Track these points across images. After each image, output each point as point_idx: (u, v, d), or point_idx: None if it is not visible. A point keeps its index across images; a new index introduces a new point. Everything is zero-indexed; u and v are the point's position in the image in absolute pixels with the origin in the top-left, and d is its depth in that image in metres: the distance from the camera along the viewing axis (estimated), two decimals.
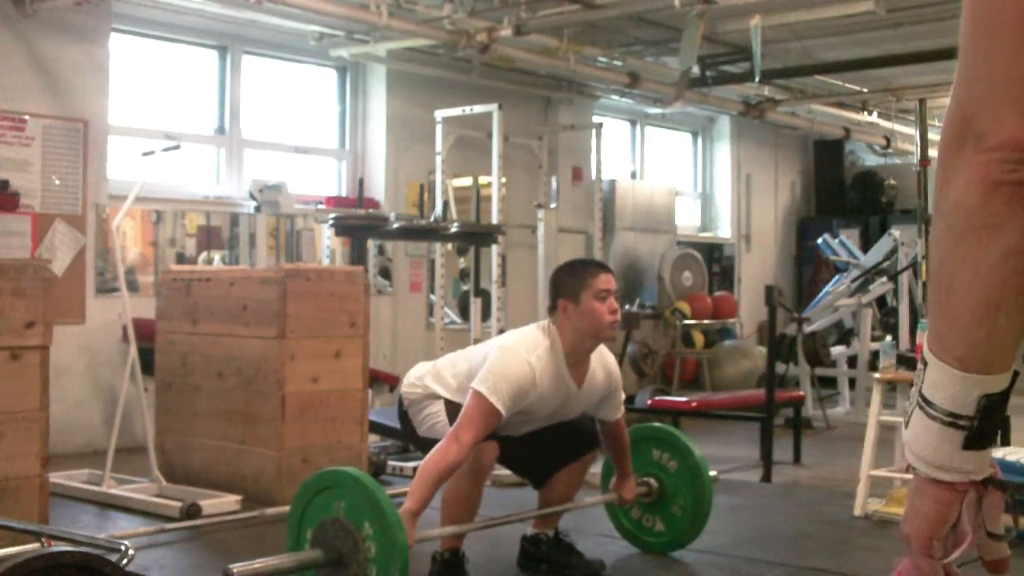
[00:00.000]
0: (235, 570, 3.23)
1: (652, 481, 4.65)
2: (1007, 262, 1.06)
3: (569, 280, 4.03)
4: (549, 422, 4.14)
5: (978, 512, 1.15)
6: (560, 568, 4.31)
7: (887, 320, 9.56)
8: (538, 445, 4.20)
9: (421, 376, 4.21)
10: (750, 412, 7.21)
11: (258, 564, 3.39)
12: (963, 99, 1.08)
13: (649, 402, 7.42)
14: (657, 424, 4.91)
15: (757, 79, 8.05)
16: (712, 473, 4.68)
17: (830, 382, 9.85)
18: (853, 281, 9.57)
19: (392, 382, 7.56)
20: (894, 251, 9.38)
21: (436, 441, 3.91)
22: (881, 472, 5.46)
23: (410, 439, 4.32)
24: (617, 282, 7.51)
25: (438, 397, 4.11)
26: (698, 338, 11.11)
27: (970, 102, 1.07)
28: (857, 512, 5.33)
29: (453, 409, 3.97)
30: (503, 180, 8.60)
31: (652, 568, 4.53)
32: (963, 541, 1.16)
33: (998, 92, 1.05)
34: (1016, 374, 1.14)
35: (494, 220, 8.36)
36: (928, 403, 1.15)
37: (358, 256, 7.79)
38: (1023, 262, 1.06)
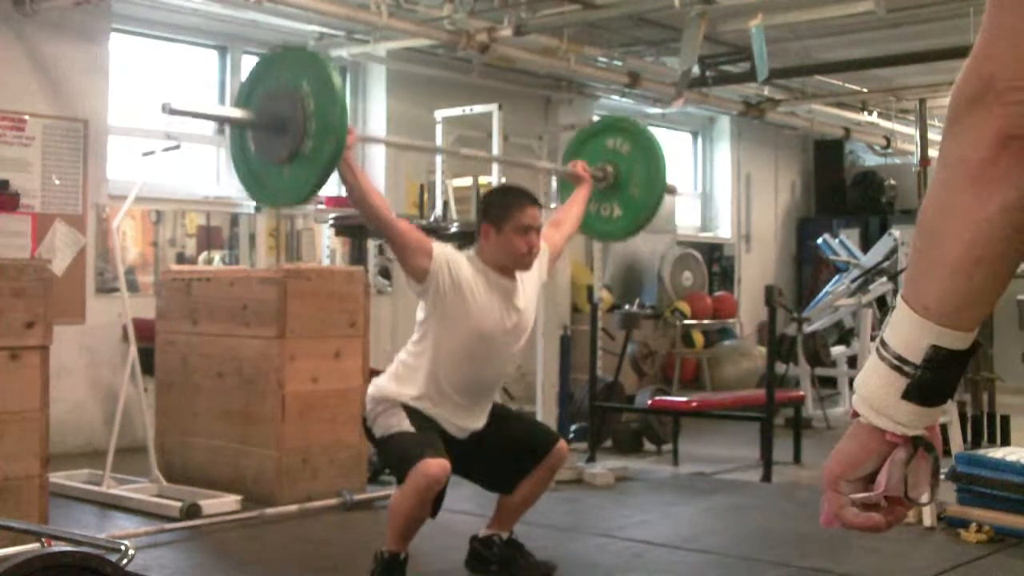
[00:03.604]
0: (173, 105, 3.60)
1: (609, 167, 4.81)
2: (1000, 218, 1.06)
3: (497, 208, 4.14)
4: (509, 340, 4.10)
5: (902, 471, 1.14)
6: (510, 569, 4.26)
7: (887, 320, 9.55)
8: (498, 452, 4.15)
9: (378, 387, 4.12)
10: (750, 412, 7.21)
11: (195, 106, 3.73)
12: (982, 59, 1.07)
13: (649, 402, 7.41)
14: (609, 116, 5.06)
15: (761, 79, 8.04)
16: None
17: (830, 382, 9.84)
18: (853, 281, 9.56)
19: None
20: (894, 251, 9.37)
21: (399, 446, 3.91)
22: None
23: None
24: (617, 282, 7.38)
25: (396, 402, 4.02)
26: (698, 338, 11.10)
27: (989, 61, 1.06)
28: None
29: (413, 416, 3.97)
30: (503, 180, 8.58)
31: (651, 567, 4.53)
32: (876, 489, 1.15)
33: (1019, 50, 1.04)
34: (977, 344, 1.13)
35: None
36: (884, 344, 1.15)
37: (358, 256, 7.79)
38: (1015, 220, 1.06)
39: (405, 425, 3.95)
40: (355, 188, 3.80)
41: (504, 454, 4.18)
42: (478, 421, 4.14)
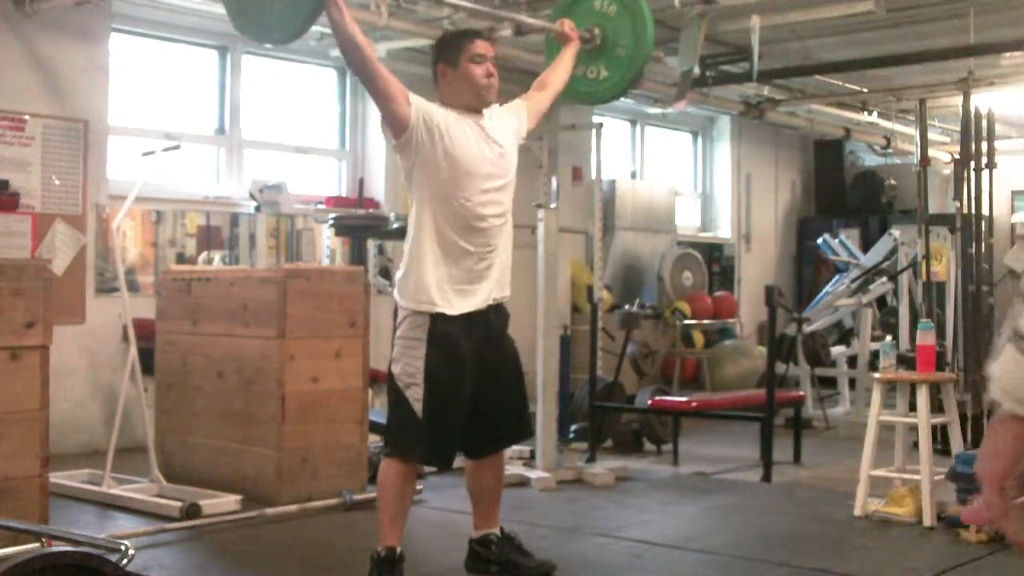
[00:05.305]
0: None
1: (596, 29, 4.84)
2: None
3: (448, 47, 4.17)
4: (495, 172, 4.10)
5: None
6: (512, 568, 4.26)
7: (887, 320, 9.55)
8: (484, 410, 4.15)
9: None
10: (750, 412, 7.21)
11: None
12: None
13: (649, 402, 7.41)
14: None
15: (754, 77, 8.05)
16: None
17: (830, 382, 9.84)
18: (853, 281, 9.56)
19: None
20: (894, 251, 9.38)
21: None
22: (881, 472, 5.46)
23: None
24: (617, 282, 7.30)
25: (424, 313, 4.06)
26: (698, 338, 11.10)
27: None
28: (857, 512, 5.33)
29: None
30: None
31: (651, 567, 4.53)
32: None
33: None
34: None
35: None
36: (1021, 337, 1.11)
37: (358, 256, 7.79)
38: None
39: (419, 380, 4.03)
40: (342, 28, 3.76)
41: (495, 415, 4.19)
42: (495, 274, 4.12)
